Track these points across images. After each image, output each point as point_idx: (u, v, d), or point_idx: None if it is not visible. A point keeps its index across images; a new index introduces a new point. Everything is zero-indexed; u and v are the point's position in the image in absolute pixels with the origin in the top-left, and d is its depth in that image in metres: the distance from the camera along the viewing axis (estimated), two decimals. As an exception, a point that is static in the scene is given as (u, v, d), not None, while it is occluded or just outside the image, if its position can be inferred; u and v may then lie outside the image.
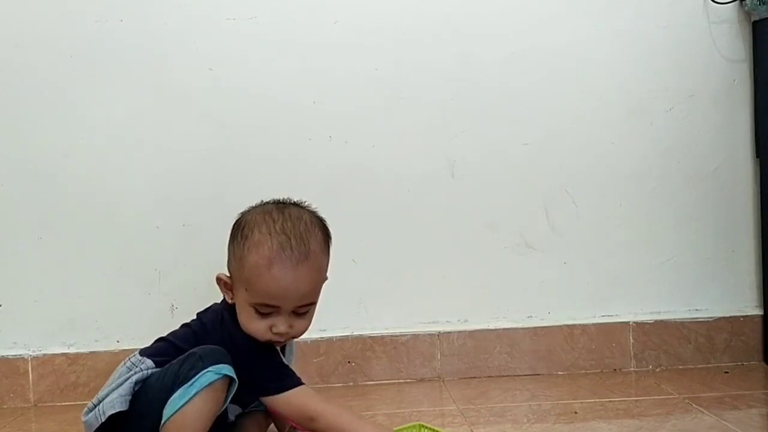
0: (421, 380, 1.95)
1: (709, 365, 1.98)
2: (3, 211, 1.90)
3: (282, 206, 1.35)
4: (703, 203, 2.00)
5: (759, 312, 2.00)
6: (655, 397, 1.73)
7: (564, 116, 1.97)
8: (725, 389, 1.77)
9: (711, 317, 1.99)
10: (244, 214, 1.36)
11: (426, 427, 1.41)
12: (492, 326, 1.97)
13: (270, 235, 1.28)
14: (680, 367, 1.98)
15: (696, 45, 1.98)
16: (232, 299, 1.35)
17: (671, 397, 1.73)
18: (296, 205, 1.37)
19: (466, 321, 1.98)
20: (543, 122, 1.97)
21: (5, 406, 1.88)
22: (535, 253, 1.98)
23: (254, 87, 1.93)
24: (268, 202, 1.37)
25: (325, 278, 1.37)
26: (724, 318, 1.99)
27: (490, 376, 1.96)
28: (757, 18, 1.95)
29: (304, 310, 1.32)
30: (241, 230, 1.32)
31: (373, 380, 1.95)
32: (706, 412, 1.60)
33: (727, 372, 1.93)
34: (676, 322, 1.99)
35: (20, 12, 1.90)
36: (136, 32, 1.91)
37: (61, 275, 1.91)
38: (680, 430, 1.48)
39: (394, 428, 1.40)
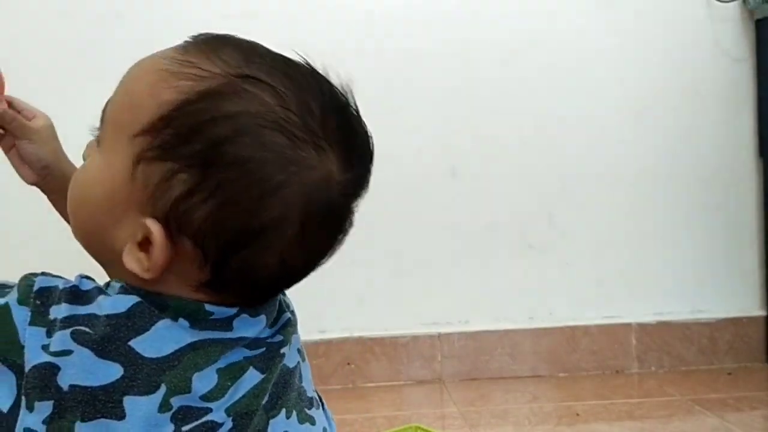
0: (422, 382, 1.94)
1: (712, 367, 1.96)
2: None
3: None
4: (706, 203, 1.98)
5: (762, 313, 1.98)
6: (658, 399, 1.72)
7: (566, 116, 1.96)
8: (728, 391, 1.76)
9: (714, 318, 1.98)
10: None
11: (422, 429, 1.40)
12: (493, 327, 1.95)
13: None
14: (683, 368, 1.96)
15: (699, 44, 1.97)
16: None
17: (674, 398, 1.71)
18: None
19: (466, 322, 1.96)
20: (545, 122, 1.96)
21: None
22: (536, 253, 1.97)
23: (253, 86, 1.91)
24: None
25: None
26: (727, 319, 1.98)
27: (491, 378, 1.94)
28: (760, 16, 1.93)
29: None
30: None
31: (372, 382, 1.93)
32: (709, 413, 1.58)
33: (730, 373, 1.91)
34: (678, 323, 1.97)
35: (19, 11, 1.89)
36: (134, 31, 1.89)
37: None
38: (683, 432, 1.47)
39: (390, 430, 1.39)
